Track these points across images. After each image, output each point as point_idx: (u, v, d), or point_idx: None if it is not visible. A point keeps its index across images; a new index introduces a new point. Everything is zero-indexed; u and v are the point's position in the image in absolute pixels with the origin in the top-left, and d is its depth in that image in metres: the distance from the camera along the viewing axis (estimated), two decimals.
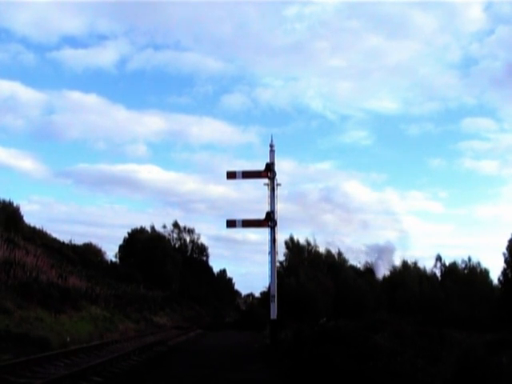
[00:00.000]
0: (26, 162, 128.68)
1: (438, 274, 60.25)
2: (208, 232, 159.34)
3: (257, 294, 79.79)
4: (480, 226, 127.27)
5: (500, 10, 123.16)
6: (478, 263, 58.09)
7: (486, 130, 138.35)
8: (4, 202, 43.73)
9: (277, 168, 23.03)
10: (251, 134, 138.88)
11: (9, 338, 16.40)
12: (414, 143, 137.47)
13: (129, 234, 64.10)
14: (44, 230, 50.61)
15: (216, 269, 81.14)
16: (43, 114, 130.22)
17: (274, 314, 22.19)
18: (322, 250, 57.42)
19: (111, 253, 65.23)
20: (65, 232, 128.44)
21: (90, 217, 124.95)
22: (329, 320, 27.60)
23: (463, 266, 58.47)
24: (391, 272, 60.85)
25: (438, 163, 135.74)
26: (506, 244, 51.48)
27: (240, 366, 16.29)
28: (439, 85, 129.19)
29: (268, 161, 22.98)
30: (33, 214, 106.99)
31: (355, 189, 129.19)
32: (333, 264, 56.34)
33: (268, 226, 22.64)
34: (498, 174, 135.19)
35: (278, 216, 22.86)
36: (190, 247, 72.08)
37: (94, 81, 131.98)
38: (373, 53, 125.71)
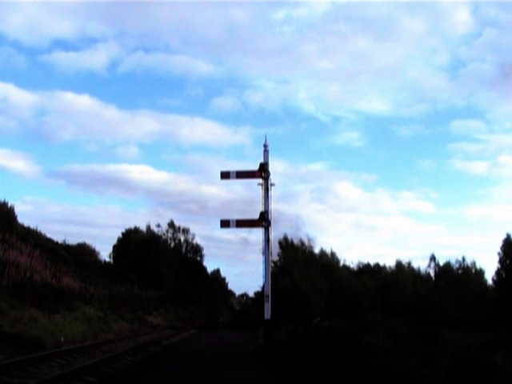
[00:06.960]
0: (18, 163, 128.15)
1: (432, 274, 60.39)
2: (201, 232, 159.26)
3: (251, 294, 79.95)
4: (470, 226, 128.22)
5: (487, 13, 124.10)
6: (474, 263, 58.32)
7: (476, 131, 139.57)
8: None
9: (269, 168, 23.06)
10: (242, 135, 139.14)
11: (3, 338, 16.34)
12: (405, 144, 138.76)
13: (123, 234, 63.86)
14: (38, 230, 50.52)
15: (210, 269, 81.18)
16: (36, 116, 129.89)
17: (267, 314, 22.21)
18: (316, 250, 57.56)
19: (105, 253, 65.21)
20: (58, 232, 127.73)
21: (83, 217, 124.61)
22: (323, 320, 27.59)
23: (457, 266, 58.63)
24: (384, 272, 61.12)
25: (429, 164, 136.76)
26: (500, 244, 51.76)
27: (234, 366, 16.30)
28: (428, 87, 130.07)
29: (261, 161, 23.01)
30: (26, 214, 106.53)
31: (347, 189, 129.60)
32: (326, 264, 56.43)
33: (262, 226, 22.66)
34: (487, 175, 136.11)
35: (272, 216, 22.92)
36: (184, 247, 71.94)
37: (86, 83, 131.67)
38: (361, 55, 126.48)
